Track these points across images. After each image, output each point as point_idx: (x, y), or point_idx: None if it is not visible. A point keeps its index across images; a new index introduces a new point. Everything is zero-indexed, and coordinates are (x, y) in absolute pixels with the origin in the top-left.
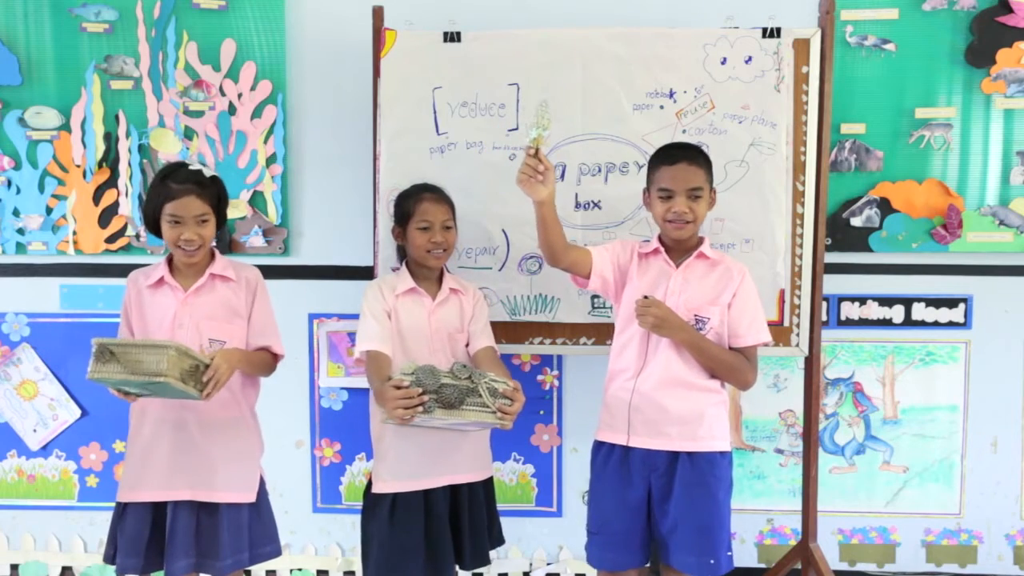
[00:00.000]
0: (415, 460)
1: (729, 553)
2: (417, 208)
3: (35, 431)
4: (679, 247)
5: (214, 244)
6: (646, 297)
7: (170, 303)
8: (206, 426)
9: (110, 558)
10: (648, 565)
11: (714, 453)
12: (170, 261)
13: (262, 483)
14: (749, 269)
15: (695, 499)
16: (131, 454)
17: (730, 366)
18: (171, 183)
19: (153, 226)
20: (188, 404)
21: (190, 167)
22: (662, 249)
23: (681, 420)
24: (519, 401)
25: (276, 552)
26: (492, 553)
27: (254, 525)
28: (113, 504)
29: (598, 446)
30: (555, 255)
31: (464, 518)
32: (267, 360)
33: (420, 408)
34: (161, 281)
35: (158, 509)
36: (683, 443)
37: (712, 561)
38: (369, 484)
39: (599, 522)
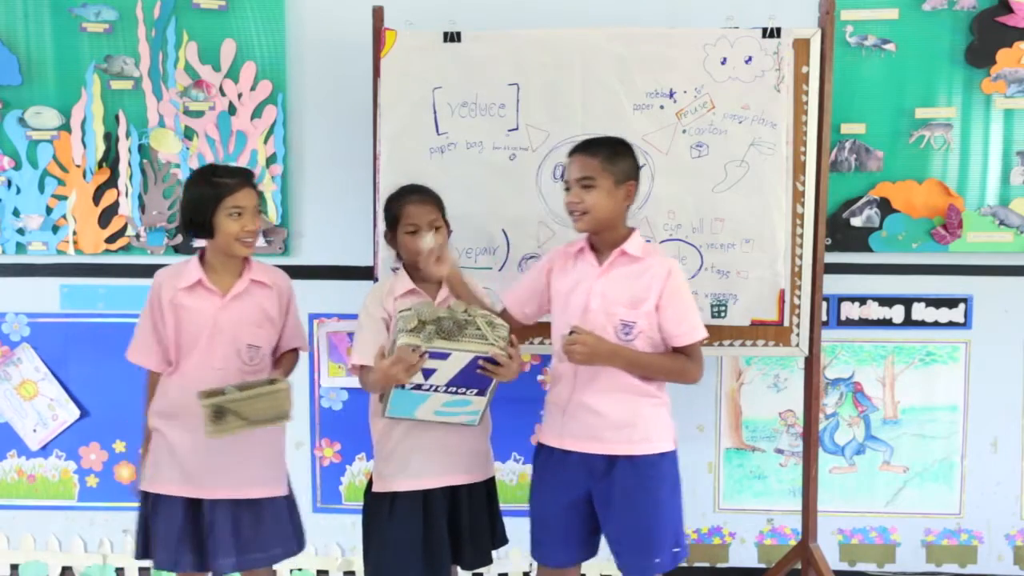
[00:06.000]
0: (414, 460)
1: (676, 549)
2: (403, 212)
3: (35, 431)
4: (604, 244)
5: None
6: (571, 332)
7: (208, 308)
8: None
9: (141, 554)
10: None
11: (653, 455)
12: (200, 261)
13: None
14: (749, 269)
15: (636, 502)
16: (163, 446)
17: (671, 371)
18: (222, 179)
19: (201, 229)
20: None
21: (224, 165)
22: (587, 248)
23: (617, 425)
24: (517, 348)
25: (304, 541)
26: (492, 553)
27: (293, 515)
28: (113, 504)
29: (539, 448)
30: None
31: (463, 519)
32: (295, 361)
33: (421, 354)
34: (197, 284)
35: (192, 504)
36: (620, 447)
37: (657, 560)
38: (370, 484)
39: (540, 522)
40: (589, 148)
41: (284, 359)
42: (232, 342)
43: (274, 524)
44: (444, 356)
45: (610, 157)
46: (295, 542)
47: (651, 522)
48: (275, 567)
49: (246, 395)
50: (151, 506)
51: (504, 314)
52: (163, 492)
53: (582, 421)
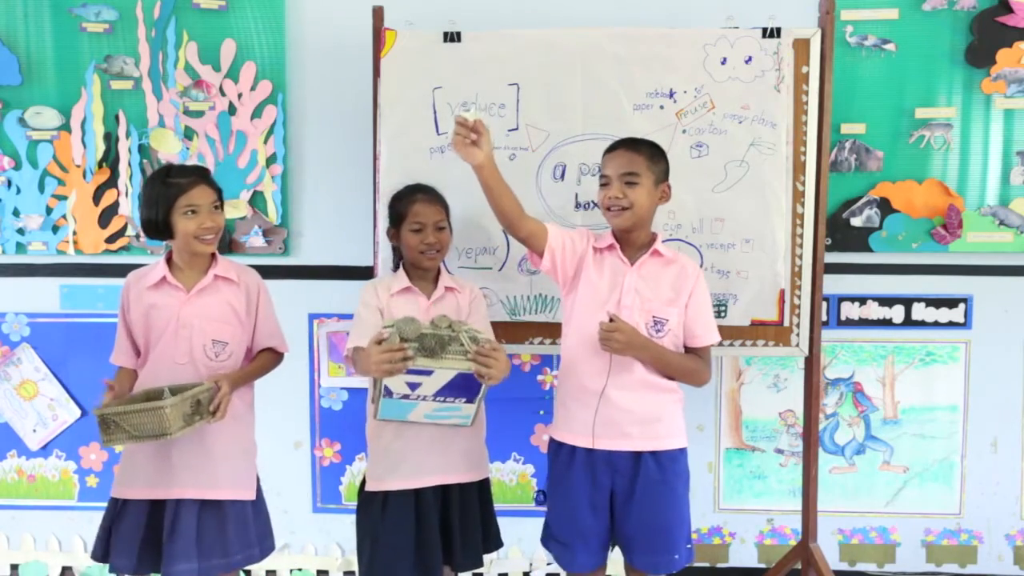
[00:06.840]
0: (407, 459)
1: (689, 546)
2: (410, 209)
3: (35, 431)
4: (632, 243)
5: None
6: (611, 320)
7: (173, 303)
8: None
9: (100, 556)
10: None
11: (675, 451)
12: (168, 261)
13: (258, 479)
14: (749, 269)
15: (658, 498)
16: (131, 450)
17: (689, 371)
18: (175, 179)
19: (159, 230)
20: None
21: (179, 165)
22: (616, 245)
23: (644, 420)
24: (501, 359)
25: (273, 546)
26: (492, 554)
27: (258, 520)
28: None
29: (558, 447)
30: (512, 221)
31: (454, 519)
32: (270, 362)
33: (404, 359)
34: (162, 281)
35: (155, 507)
36: (646, 443)
37: (676, 556)
38: (363, 482)
39: (568, 524)
40: (634, 145)
41: (257, 358)
42: (197, 337)
43: (237, 528)
44: (428, 373)
45: (652, 156)
46: (258, 549)
47: (671, 518)
48: (275, 567)
49: (129, 409)
50: (117, 510)
51: (539, 231)
52: (129, 497)
53: (610, 418)
